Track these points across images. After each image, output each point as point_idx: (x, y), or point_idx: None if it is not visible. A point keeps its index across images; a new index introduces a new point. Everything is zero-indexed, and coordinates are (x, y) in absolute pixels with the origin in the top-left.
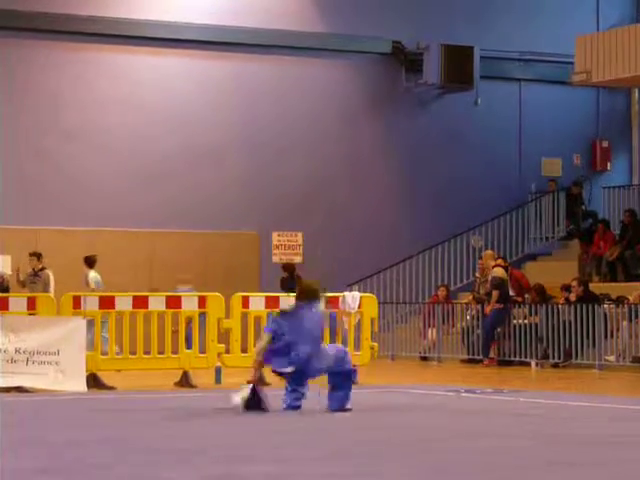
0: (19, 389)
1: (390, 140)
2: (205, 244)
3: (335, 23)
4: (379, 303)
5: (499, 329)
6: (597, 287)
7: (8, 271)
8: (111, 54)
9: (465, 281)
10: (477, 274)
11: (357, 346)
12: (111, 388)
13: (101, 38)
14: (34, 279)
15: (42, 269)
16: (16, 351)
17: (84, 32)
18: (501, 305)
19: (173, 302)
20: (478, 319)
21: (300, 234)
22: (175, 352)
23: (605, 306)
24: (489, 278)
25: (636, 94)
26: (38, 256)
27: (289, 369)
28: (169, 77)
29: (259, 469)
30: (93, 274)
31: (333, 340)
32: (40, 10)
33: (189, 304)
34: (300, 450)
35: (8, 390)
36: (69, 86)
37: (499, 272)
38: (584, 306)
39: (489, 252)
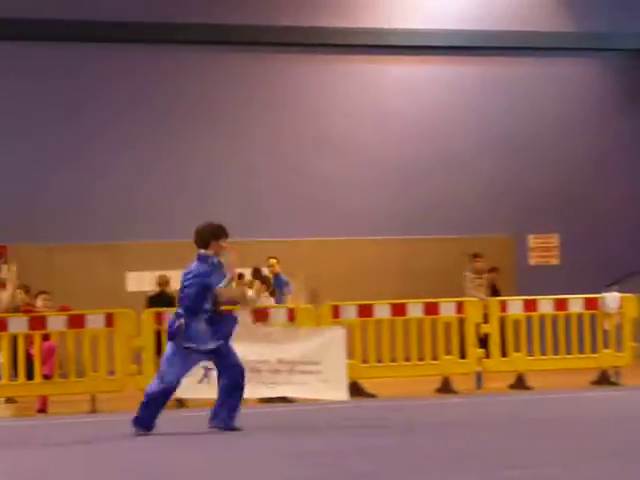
0: (283, 399)
1: None
2: (459, 250)
3: (585, 22)
4: None
5: None
6: None
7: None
8: (361, 64)
9: None
10: None
11: (619, 347)
12: (372, 396)
13: (351, 49)
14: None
15: None
16: (279, 361)
17: (336, 44)
18: None
19: (431, 309)
20: None
21: (556, 236)
22: (435, 358)
23: None
24: None
25: None
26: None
27: None
28: (417, 84)
29: (536, 472)
30: None
31: (594, 341)
32: (291, 24)
33: (447, 310)
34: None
35: (272, 400)
36: (323, 98)
37: None
38: None
39: None
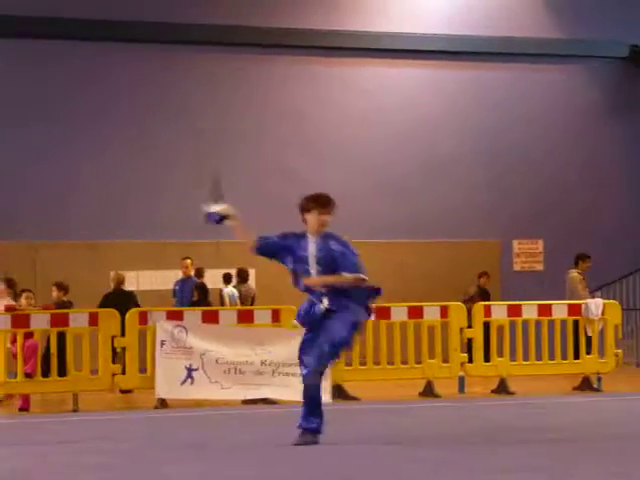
0: (265, 401)
1: (631, 147)
2: (449, 254)
3: (571, 28)
4: (623, 310)
5: None
6: None
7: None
8: (350, 67)
9: None
10: None
11: (601, 353)
12: (355, 399)
13: (340, 52)
14: None
15: None
16: (262, 363)
17: (322, 46)
18: None
19: (415, 312)
20: None
21: (540, 241)
22: (418, 362)
23: None
24: None
25: None
26: None
27: None
28: (406, 88)
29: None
30: None
31: (577, 348)
32: (277, 26)
33: (431, 314)
34: None
35: (255, 402)
36: (308, 101)
37: None
38: None
39: None
